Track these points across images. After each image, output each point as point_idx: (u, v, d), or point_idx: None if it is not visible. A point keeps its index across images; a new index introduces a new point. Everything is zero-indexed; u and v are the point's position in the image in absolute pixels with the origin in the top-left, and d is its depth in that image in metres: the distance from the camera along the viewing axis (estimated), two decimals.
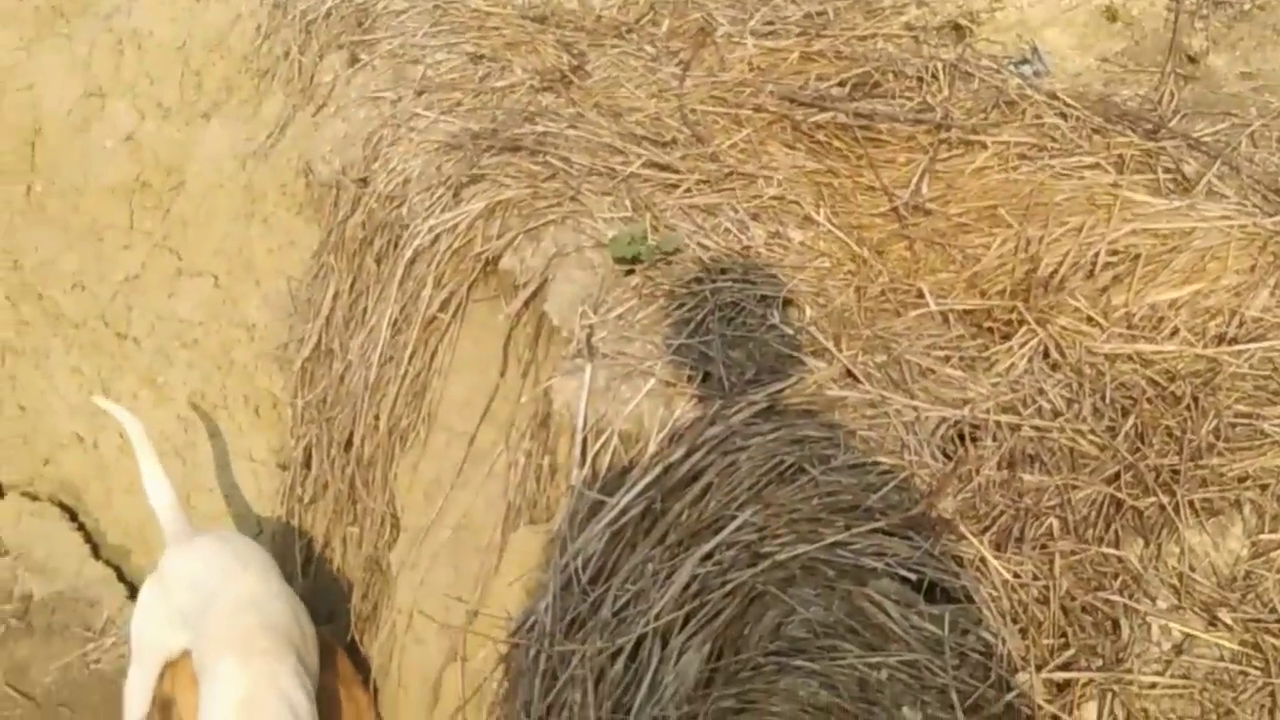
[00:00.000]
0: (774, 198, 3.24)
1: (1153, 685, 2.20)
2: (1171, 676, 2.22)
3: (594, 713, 2.54)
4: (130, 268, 5.18)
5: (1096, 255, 3.02)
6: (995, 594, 2.28)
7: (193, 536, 4.07)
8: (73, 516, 5.65)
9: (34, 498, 5.76)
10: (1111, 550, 2.37)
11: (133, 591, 5.26)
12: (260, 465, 4.72)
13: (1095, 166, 3.32)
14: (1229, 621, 2.31)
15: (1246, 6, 4.07)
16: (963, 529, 2.37)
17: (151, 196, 5.11)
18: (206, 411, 4.87)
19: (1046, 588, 2.30)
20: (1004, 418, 2.62)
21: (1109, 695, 2.16)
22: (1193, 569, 2.39)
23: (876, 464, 2.52)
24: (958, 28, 4.01)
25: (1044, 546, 2.37)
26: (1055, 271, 2.97)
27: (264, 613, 3.61)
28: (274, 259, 4.51)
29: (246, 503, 4.78)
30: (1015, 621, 2.26)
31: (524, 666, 2.77)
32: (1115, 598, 2.30)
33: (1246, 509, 2.46)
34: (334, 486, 4.11)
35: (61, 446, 5.66)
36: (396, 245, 3.63)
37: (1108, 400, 2.68)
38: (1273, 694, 2.21)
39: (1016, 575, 2.31)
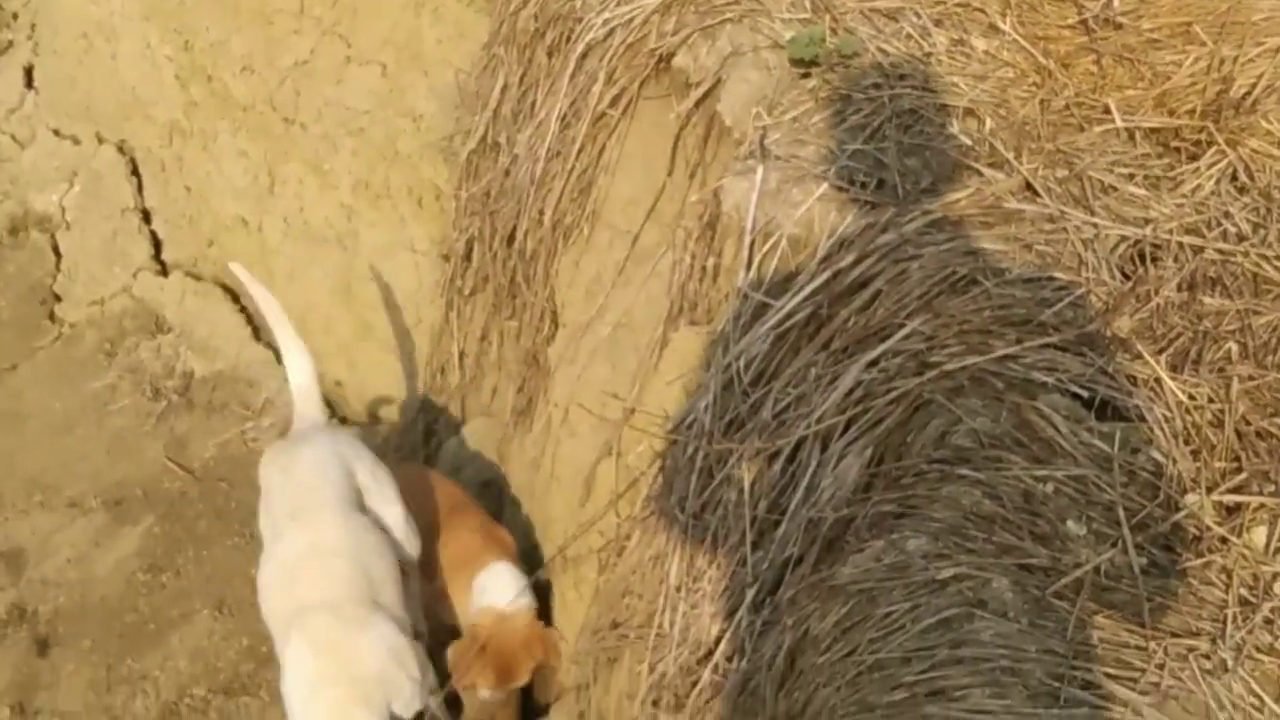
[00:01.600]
0: (958, 4, 3.14)
1: None
2: None
3: (749, 511, 2.57)
4: (299, 53, 5.21)
5: None
6: (1168, 415, 2.25)
7: (306, 436, 3.98)
8: (235, 298, 5.78)
9: (198, 278, 5.90)
10: None
11: None
12: (421, 256, 4.77)
13: None
14: None
15: None
16: (1139, 348, 2.33)
17: None
18: (370, 200, 4.92)
19: (1221, 411, 2.26)
20: (1187, 239, 2.55)
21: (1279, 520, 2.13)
22: None
23: (1052, 279, 2.48)
24: None
25: (1221, 370, 2.32)
26: (1249, 93, 2.86)
27: (328, 576, 3.45)
28: (443, 50, 4.50)
29: (406, 292, 4.85)
30: (1187, 443, 2.23)
31: (680, 464, 2.80)
32: None
33: None
34: (495, 280, 4.15)
35: (226, 229, 5.77)
36: (569, 39, 3.60)
37: None
38: None
39: (1191, 397, 2.27)
